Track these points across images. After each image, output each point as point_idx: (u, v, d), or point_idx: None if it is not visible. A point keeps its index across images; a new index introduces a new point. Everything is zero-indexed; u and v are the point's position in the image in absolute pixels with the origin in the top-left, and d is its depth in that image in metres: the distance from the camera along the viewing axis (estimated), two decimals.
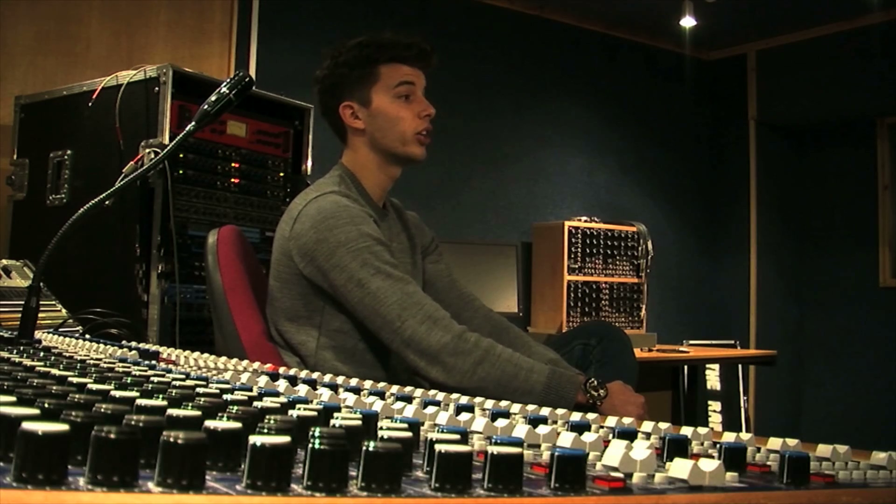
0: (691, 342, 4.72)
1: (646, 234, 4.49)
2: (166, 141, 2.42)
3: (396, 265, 1.84)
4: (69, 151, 2.65)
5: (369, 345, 1.92)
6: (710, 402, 5.00)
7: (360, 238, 1.81)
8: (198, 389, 0.73)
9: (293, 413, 0.62)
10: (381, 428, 0.59)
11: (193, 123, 1.62)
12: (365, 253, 1.80)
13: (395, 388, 1.06)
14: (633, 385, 1.85)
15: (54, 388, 0.66)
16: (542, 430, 0.69)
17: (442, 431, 0.60)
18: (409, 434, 0.55)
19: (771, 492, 0.58)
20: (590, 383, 1.74)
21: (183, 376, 0.87)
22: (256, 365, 1.23)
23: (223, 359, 1.26)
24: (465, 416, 0.75)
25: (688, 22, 4.61)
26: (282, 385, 0.94)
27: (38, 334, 1.48)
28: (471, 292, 2.21)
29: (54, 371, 0.81)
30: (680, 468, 0.57)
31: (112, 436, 0.43)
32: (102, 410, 0.54)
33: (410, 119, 1.97)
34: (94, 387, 0.69)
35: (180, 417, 0.53)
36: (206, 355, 1.30)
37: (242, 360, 1.27)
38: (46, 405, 0.55)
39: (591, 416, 0.88)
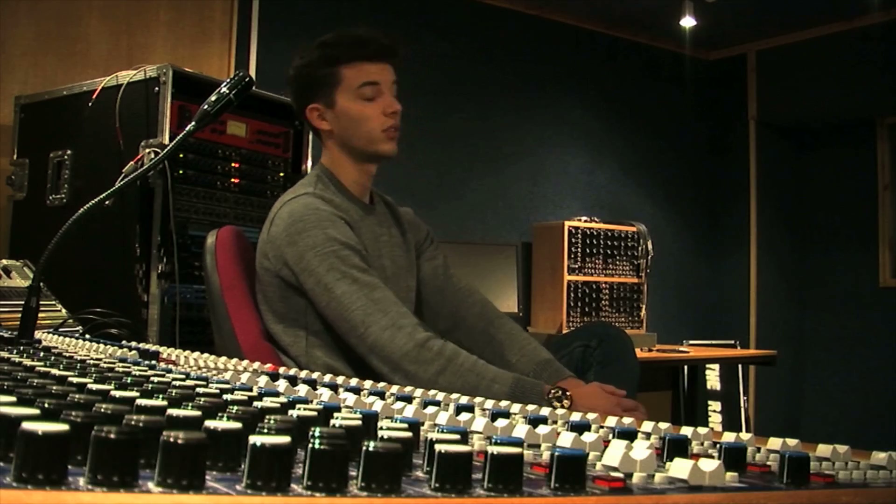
0: (691, 342, 4.72)
1: (646, 234, 4.49)
2: (166, 141, 2.42)
3: (365, 269, 1.81)
4: (69, 151, 2.65)
5: None
6: (710, 402, 5.00)
7: (328, 242, 1.80)
8: (198, 389, 0.73)
9: (293, 413, 0.62)
10: (381, 428, 0.59)
11: (193, 123, 1.62)
12: (331, 258, 1.79)
13: (395, 389, 1.06)
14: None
15: (54, 388, 0.66)
16: (542, 430, 0.69)
17: (442, 431, 0.60)
18: (409, 434, 0.55)
19: (771, 492, 0.58)
20: (553, 393, 1.69)
21: (183, 376, 0.87)
22: (256, 365, 1.23)
23: (223, 359, 1.26)
24: (465, 416, 0.75)
25: (688, 22, 4.61)
26: (282, 385, 0.94)
27: (38, 334, 1.48)
28: (468, 285, 2.19)
29: (54, 371, 0.81)
30: (680, 468, 0.57)
31: (112, 436, 0.43)
32: (102, 410, 0.54)
33: (376, 117, 1.95)
34: (94, 387, 0.69)
35: (180, 417, 0.53)
36: (205, 355, 1.30)
37: (241, 360, 1.27)
38: (46, 405, 0.55)
39: (591, 416, 0.88)
